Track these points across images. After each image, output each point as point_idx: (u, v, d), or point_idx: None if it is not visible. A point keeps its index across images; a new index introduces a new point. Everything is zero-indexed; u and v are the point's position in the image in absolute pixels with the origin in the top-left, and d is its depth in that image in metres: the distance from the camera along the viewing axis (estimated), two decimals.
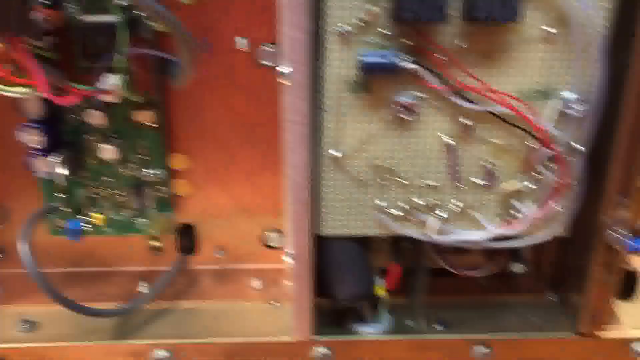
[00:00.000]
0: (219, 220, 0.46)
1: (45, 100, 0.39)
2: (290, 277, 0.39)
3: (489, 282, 0.47)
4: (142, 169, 0.43)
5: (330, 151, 0.37)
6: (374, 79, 0.35)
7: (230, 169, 0.45)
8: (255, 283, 0.47)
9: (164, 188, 0.44)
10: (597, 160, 0.38)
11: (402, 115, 0.36)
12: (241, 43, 0.41)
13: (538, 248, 0.46)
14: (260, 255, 0.48)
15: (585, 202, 0.38)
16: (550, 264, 0.46)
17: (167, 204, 0.45)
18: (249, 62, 0.41)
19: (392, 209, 0.39)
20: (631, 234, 0.39)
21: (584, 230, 0.40)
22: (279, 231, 0.47)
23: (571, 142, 0.37)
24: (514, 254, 0.45)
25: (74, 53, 0.39)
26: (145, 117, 0.42)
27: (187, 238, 0.46)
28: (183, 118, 0.43)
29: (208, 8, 0.40)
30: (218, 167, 0.45)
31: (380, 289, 0.42)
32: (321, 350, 0.41)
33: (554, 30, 0.35)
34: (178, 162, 0.44)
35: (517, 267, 0.45)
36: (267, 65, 0.41)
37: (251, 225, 0.47)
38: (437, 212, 0.39)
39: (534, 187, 0.38)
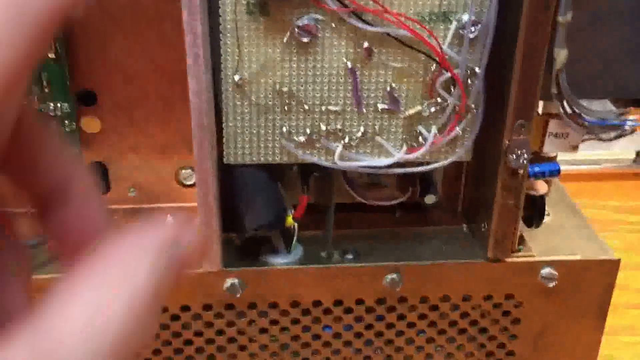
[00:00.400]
0: (130, 158, 0.46)
1: None
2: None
3: (402, 214, 0.47)
4: (46, 103, 0.42)
5: (230, 76, 0.37)
6: (272, 1, 0.35)
7: (140, 104, 0.44)
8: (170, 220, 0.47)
9: (69, 123, 0.43)
10: (497, 84, 0.38)
11: (302, 39, 0.36)
12: None
13: (450, 179, 0.47)
14: (175, 193, 0.47)
15: (487, 127, 0.39)
16: (462, 195, 0.47)
17: (75, 141, 0.44)
18: None
19: (296, 136, 0.38)
20: (533, 159, 0.40)
21: (488, 156, 0.40)
22: (192, 168, 0.47)
23: (468, 65, 0.37)
24: (427, 185, 0.45)
25: None
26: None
27: (98, 177, 0.46)
28: (87, 50, 0.42)
29: None
30: (128, 103, 0.44)
31: (289, 219, 0.42)
32: (232, 281, 0.41)
33: None
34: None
35: (430, 199, 0.45)
36: None
37: (165, 162, 0.46)
38: (341, 138, 0.39)
39: (437, 111, 0.38)
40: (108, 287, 0.16)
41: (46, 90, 0.42)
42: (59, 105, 0.42)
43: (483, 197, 0.43)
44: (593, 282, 0.44)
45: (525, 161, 0.39)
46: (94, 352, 0.16)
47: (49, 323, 0.16)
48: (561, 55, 0.37)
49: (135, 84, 0.43)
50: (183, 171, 0.47)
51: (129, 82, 0.43)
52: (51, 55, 0.41)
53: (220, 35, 0.36)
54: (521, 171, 0.39)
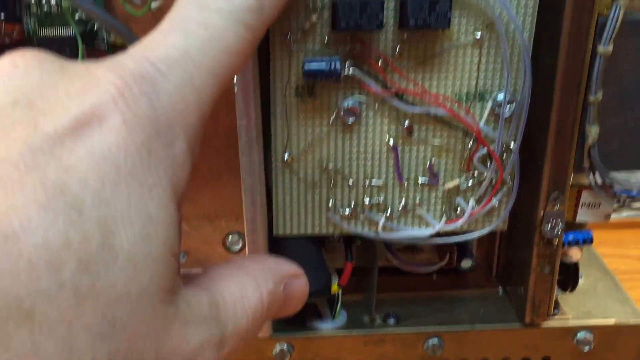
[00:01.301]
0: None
1: None
2: None
3: (439, 277, 0.49)
4: None
5: (280, 154, 0.39)
6: (317, 84, 0.38)
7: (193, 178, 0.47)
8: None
9: None
10: (531, 158, 0.40)
11: (347, 120, 0.38)
12: None
13: (486, 244, 0.49)
14: (223, 258, 0.50)
15: (523, 198, 0.41)
16: (497, 259, 0.49)
17: None
18: None
19: (341, 209, 0.41)
20: (566, 228, 0.42)
21: (523, 224, 0.42)
22: (240, 234, 0.49)
23: (504, 141, 0.39)
24: (463, 251, 0.47)
25: None
26: None
27: None
28: None
29: (159, 18, 0.42)
30: None
31: (334, 286, 0.44)
32: (281, 347, 0.43)
33: (482, 36, 0.37)
34: None
35: (466, 263, 0.47)
36: None
37: (213, 229, 0.49)
38: (383, 210, 0.41)
39: (474, 184, 0.41)
40: None
41: None
42: None
43: (518, 262, 0.45)
44: (627, 345, 0.45)
45: (560, 231, 0.41)
46: None
47: None
48: (592, 131, 0.39)
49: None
50: (230, 237, 0.49)
51: None
52: None
53: (271, 116, 0.38)
54: (556, 241, 0.41)
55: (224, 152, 0.46)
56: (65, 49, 0.41)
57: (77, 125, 0.19)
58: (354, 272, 0.45)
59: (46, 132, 0.18)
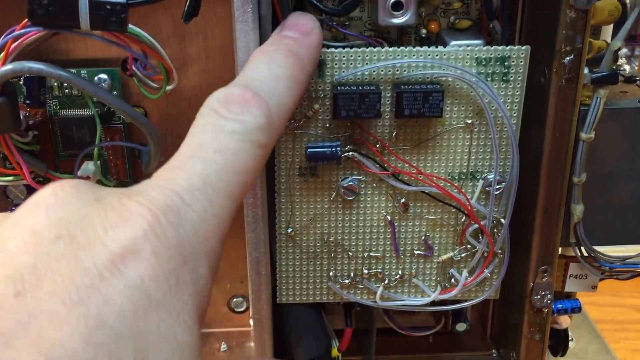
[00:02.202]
0: None
1: (30, 187, 0.43)
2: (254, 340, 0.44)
3: (436, 339, 0.51)
4: None
5: (284, 228, 0.42)
6: (319, 165, 0.40)
7: None
8: (223, 346, 0.51)
9: None
10: (521, 232, 0.43)
11: (347, 197, 0.41)
12: None
13: (480, 307, 0.51)
14: (227, 319, 0.52)
15: (514, 268, 0.43)
16: (491, 322, 0.51)
17: None
18: None
19: (341, 279, 0.43)
20: (555, 297, 0.44)
21: (514, 293, 0.45)
22: (244, 297, 0.51)
23: (495, 216, 0.42)
24: (458, 315, 0.49)
25: (55, 144, 0.44)
26: None
27: None
28: None
29: (174, 99, 0.45)
30: None
31: (335, 350, 0.46)
32: None
33: (472, 122, 0.40)
34: None
35: (461, 327, 0.49)
36: None
37: (218, 291, 0.51)
38: (381, 280, 0.43)
39: (467, 255, 0.43)
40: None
41: None
42: None
43: (510, 328, 0.47)
44: None
45: (549, 301, 0.43)
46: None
47: None
48: (577, 210, 0.41)
49: None
50: (235, 300, 0.52)
51: None
52: None
53: (275, 194, 0.41)
54: (546, 310, 0.43)
55: (235, 223, 0.48)
56: (84, 127, 0.44)
57: (115, 259, 0.21)
58: (353, 334, 0.48)
59: (87, 267, 0.21)
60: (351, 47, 0.39)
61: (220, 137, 0.26)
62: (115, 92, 0.44)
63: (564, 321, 0.46)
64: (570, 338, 0.50)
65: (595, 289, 0.45)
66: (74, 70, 0.43)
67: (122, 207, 0.23)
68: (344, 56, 0.38)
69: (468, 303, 0.44)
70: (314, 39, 0.34)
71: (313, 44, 0.34)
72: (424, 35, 0.43)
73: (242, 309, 0.52)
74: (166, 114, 0.46)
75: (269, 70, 0.30)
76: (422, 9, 0.42)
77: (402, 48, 0.38)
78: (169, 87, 0.43)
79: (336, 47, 0.39)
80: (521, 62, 0.39)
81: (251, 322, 0.44)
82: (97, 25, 0.33)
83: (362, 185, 0.41)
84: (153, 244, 0.22)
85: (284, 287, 0.43)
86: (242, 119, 0.27)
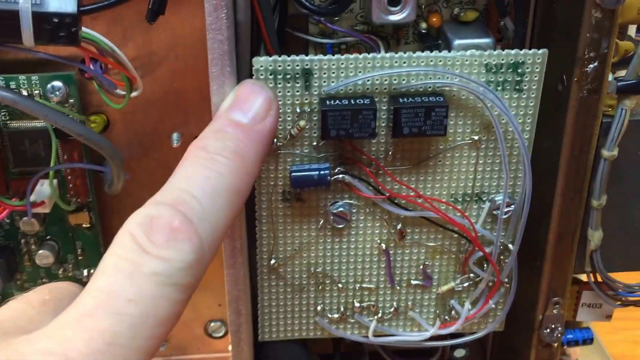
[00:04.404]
0: None
1: None
2: None
3: None
4: (80, 269, 0.42)
5: (265, 259, 0.37)
6: (305, 190, 0.35)
7: None
8: None
9: None
10: (530, 259, 0.38)
11: (337, 225, 0.36)
12: (176, 139, 0.40)
13: None
14: (203, 344, 0.47)
15: (521, 299, 0.39)
16: (491, 348, 0.47)
17: None
18: None
19: (329, 313, 0.38)
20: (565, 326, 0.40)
21: (521, 326, 0.40)
22: (223, 321, 0.47)
23: (501, 243, 0.37)
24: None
25: (5, 160, 0.38)
26: (81, 219, 0.41)
27: None
28: (120, 216, 0.42)
29: (141, 105, 0.39)
30: None
31: None
32: None
33: (479, 138, 0.35)
34: None
35: (459, 353, 0.45)
36: None
37: (194, 316, 0.46)
38: (374, 313, 0.39)
39: (470, 285, 0.38)
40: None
41: (80, 257, 0.42)
42: (92, 271, 0.42)
43: (514, 356, 0.43)
44: None
45: (559, 335, 0.39)
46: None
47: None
48: (595, 237, 0.37)
49: None
50: (212, 324, 0.47)
51: None
52: (86, 225, 0.41)
53: (256, 222, 0.36)
54: (555, 344, 0.39)
55: None
56: (38, 141, 0.38)
57: None
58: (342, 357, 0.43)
59: None
60: (342, 50, 0.33)
61: (137, 281, 0.21)
62: (72, 100, 0.38)
63: (574, 353, 0.42)
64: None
65: (610, 318, 0.41)
66: (23, 77, 0.37)
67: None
68: (333, 64, 0.33)
69: (469, 338, 0.40)
70: (267, 127, 0.28)
71: (264, 135, 0.28)
72: (423, 31, 0.38)
73: (220, 334, 0.47)
74: (131, 121, 0.40)
75: (207, 181, 0.25)
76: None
77: (400, 54, 0.33)
78: (133, 94, 0.37)
79: (326, 52, 0.34)
80: (537, 68, 0.34)
81: (230, 348, 0.40)
82: (44, 41, 0.28)
83: (353, 211, 0.36)
84: None
85: (266, 324, 0.39)
86: (166, 257, 0.22)
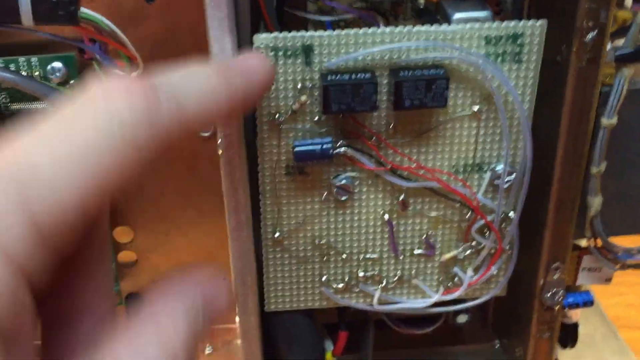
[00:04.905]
0: None
1: None
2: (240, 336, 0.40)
3: (435, 331, 0.48)
4: None
5: (270, 233, 0.37)
6: (308, 164, 0.36)
7: (173, 236, 0.45)
8: (207, 348, 0.47)
9: None
10: (531, 226, 0.39)
11: (340, 198, 0.37)
12: None
13: None
14: None
15: (522, 265, 0.39)
16: (494, 313, 0.48)
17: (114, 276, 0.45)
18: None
19: (334, 283, 0.39)
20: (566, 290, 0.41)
21: (522, 291, 0.41)
22: None
23: (503, 210, 0.38)
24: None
25: None
26: None
27: (134, 306, 0.46)
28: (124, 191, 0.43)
29: None
30: (160, 235, 0.45)
31: (329, 355, 0.42)
32: None
33: (479, 109, 0.35)
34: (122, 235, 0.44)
35: (462, 318, 0.46)
36: (206, 135, 0.41)
37: None
38: (378, 282, 0.39)
39: (472, 253, 0.39)
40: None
41: None
42: None
43: (516, 321, 0.44)
44: None
45: (560, 298, 0.39)
46: None
47: None
48: (595, 203, 0.37)
49: (170, 219, 0.44)
50: None
51: (163, 219, 0.44)
52: None
53: (260, 196, 0.36)
54: (556, 308, 0.40)
55: (210, 214, 0.44)
56: None
57: None
58: (347, 328, 0.44)
59: None
60: (341, 27, 0.33)
61: None
62: (72, 81, 0.38)
63: (574, 315, 0.43)
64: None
65: (610, 282, 0.42)
66: (23, 58, 0.37)
67: None
68: (333, 40, 0.33)
69: (472, 303, 0.40)
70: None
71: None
72: (421, 6, 0.38)
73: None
74: None
75: None
76: None
77: (399, 29, 0.33)
78: (134, 75, 0.37)
79: (325, 30, 0.34)
80: (536, 39, 0.34)
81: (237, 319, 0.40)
82: (43, 20, 0.28)
83: (356, 183, 0.37)
84: None
85: (272, 295, 0.39)
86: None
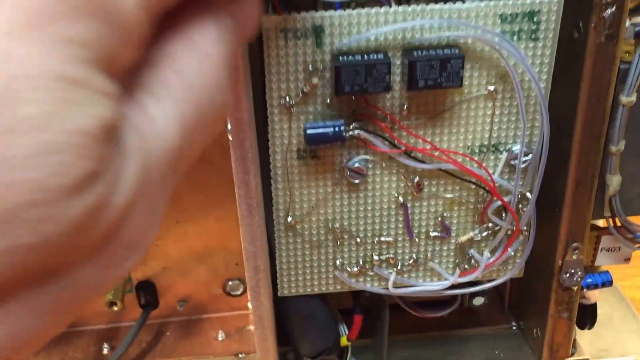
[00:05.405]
0: (179, 274, 0.46)
1: None
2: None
3: (451, 314, 0.47)
4: None
5: (282, 217, 0.37)
6: (320, 147, 0.35)
7: (187, 219, 0.44)
8: (220, 335, 0.47)
9: None
10: (549, 206, 0.38)
11: (353, 181, 0.36)
12: None
13: None
14: (222, 303, 0.48)
15: (540, 245, 0.39)
16: (510, 294, 0.47)
17: None
18: None
19: (348, 267, 0.39)
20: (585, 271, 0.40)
21: (540, 271, 0.40)
22: (241, 280, 0.47)
23: (520, 191, 0.37)
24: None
25: None
26: None
27: (149, 293, 0.46)
28: None
29: None
30: (170, 222, 0.44)
31: (344, 339, 0.42)
32: None
33: (495, 88, 0.34)
34: None
35: (478, 301, 0.45)
36: None
37: (211, 275, 0.47)
38: (393, 265, 0.39)
39: (488, 235, 0.38)
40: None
41: None
42: None
43: (534, 302, 0.43)
44: None
45: (579, 279, 0.39)
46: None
47: None
48: (614, 181, 0.36)
49: (180, 206, 0.43)
50: (230, 282, 0.47)
51: (173, 206, 0.43)
52: None
53: (271, 180, 0.36)
54: (575, 288, 0.39)
55: (221, 203, 0.44)
56: None
57: None
58: (362, 312, 0.44)
59: None
60: (352, 6, 0.32)
61: None
62: None
63: (593, 296, 0.42)
64: None
65: (629, 261, 0.41)
66: None
67: None
68: (345, 20, 0.32)
69: (488, 285, 0.40)
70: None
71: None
72: None
73: (239, 292, 0.48)
74: None
75: None
76: None
77: (412, 7, 0.32)
78: None
79: (335, 10, 0.33)
80: (553, 16, 0.33)
81: (249, 305, 0.40)
82: None
83: (369, 166, 0.36)
84: None
85: (285, 279, 0.39)
86: None
